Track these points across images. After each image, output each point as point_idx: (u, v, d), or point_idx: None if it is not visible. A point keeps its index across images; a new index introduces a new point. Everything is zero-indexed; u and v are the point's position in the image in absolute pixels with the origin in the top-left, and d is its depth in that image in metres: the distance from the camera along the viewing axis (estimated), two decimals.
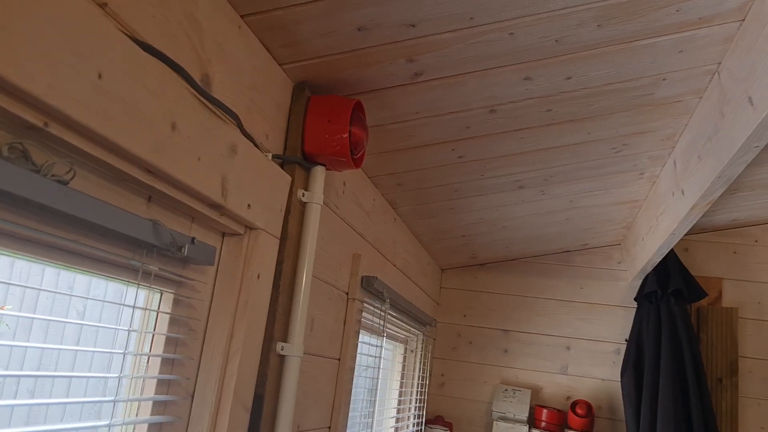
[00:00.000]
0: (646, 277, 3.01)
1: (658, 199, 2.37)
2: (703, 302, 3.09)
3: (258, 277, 1.29)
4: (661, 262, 2.95)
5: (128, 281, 0.99)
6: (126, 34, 0.87)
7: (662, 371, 2.78)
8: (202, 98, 1.04)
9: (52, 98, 0.72)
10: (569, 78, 1.55)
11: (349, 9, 1.21)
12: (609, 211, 2.70)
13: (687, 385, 2.75)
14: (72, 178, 0.83)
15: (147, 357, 1.08)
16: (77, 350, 0.94)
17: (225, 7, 1.14)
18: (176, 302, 1.14)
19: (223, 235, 1.28)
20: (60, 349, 0.85)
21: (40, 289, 0.79)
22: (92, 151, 0.83)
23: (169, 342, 1.12)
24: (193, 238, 1.08)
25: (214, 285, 1.25)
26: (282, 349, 1.37)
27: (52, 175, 0.79)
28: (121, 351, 0.94)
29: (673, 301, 2.89)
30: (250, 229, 1.28)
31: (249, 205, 1.22)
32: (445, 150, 1.91)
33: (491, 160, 2.02)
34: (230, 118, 1.16)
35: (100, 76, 0.79)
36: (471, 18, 1.28)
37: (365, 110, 1.60)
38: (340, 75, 1.45)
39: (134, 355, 0.99)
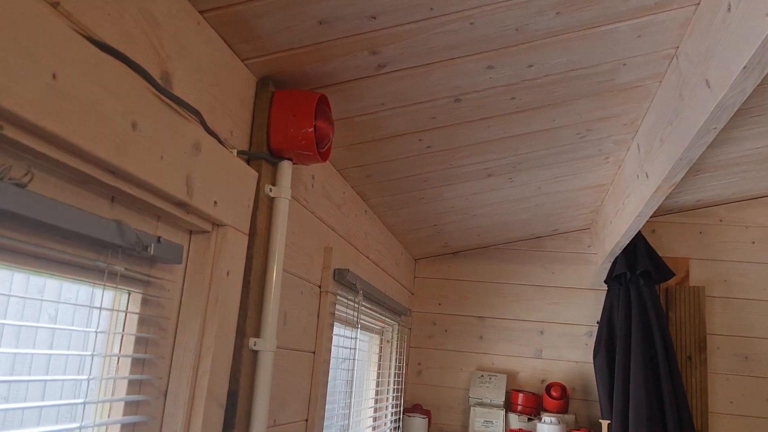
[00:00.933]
0: (615, 259, 3.06)
1: (623, 182, 2.41)
2: (671, 282, 3.16)
3: (227, 273, 1.28)
4: (629, 244, 3.00)
5: (94, 283, 0.98)
6: (80, 33, 0.86)
7: (633, 351, 2.84)
8: (162, 96, 1.03)
9: (5, 100, 0.71)
10: (531, 66, 1.57)
11: (309, 2, 1.21)
12: (577, 196, 2.74)
13: (657, 363, 2.81)
14: (30, 181, 0.82)
15: (117, 358, 1.07)
16: (47, 353, 0.93)
17: (182, 3, 1.13)
18: (145, 302, 1.13)
19: (191, 233, 1.27)
20: (30, 353, 0.84)
21: (8, 295, 0.78)
22: (50, 153, 0.82)
23: (139, 342, 1.12)
24: (159, 237, 1.08)
25: (183, 283, 1.25)
26: (255, 345, 1.37)
27: (9, 179, 0.78)
28: (89, 353, 0.93)
29: (642, 282, 2.95)
30: (218, 225, 1.28)
31: (215, 202, 1.22)
32: (413, 140, 1.92)
33: (459, 149, 2.04)
34: (193, 116, 1.15)
35: (54, 77, 0.78)
36: (431, 8, 1.29)
37: (330, 103, 1.60)
38: (304, 69, 1.45)
39: (102, 356, 0.98)
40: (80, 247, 0.96)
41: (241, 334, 1.35)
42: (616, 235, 2.67)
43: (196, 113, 1.14)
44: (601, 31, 1.46)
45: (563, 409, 3.05)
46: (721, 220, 3.25)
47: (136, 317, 1.11)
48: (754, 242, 3.19)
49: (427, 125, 1.83)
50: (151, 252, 1.05)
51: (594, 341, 3.17)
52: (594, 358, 3.01)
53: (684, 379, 3.00)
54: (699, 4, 1.42)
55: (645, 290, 2.93)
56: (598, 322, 3.21)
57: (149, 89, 1.00)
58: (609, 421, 2.85)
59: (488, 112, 1.79)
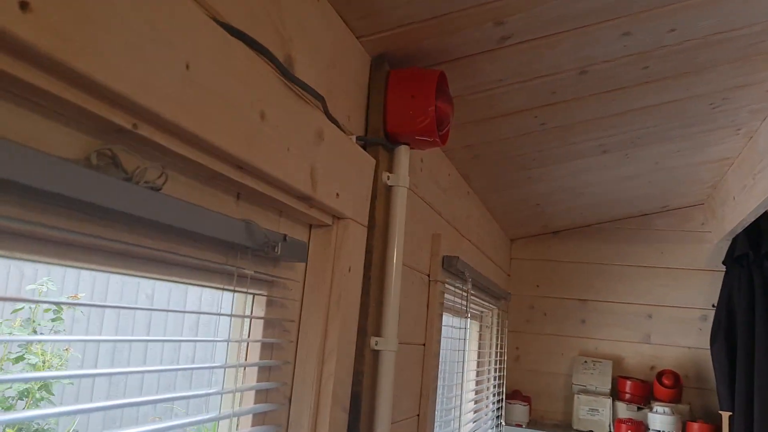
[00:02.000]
0: (735, 239, 2.82)
1: (755, 155, 2.18)
2: None
3: (349, 270, 1.20)
4: (751, 222, 2.75)
5: (223, 287, 0.91)
6: (213, 17, 0.77)
7: (758, 339, 2.61)
8: (288, 82, 0.94)
9: (142, 96, 0.63)
10: (673, 30, 1.39)
11: None
12: (696, 171, 2.52)
13: None
14: (164, 183, 0.75)
15: (243, 367, 1.01)
16: (173, 370, 0.86)
17: None
18: (269, 304, 1.06)
19: (310, 227, 1.19)
20: (155, 371, 0.77)
21: (135, 308, 0.71)
22: (183, 152, 0.74)
23: (265, 348, 1.05)
24: (285, 236, 1.00)
25: (304, 282, 1.17)
26: (376, 344, 1.29)
27: (145, 182, 0.70)
28: (219, 364, 0.86)
29: (767, 263, 2.70)
30: (338, 219, 1.19)
31: (337, 194, 1.13)
32: (527, 117, 1.77)
33: (576, 125, 1.88)
34: (315, 101, 1.06)
35: (188, 67, 0.70)
36: None
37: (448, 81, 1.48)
38: (421, 45, 1.33)
39: (231, 367, 0.91)
40: (209, 250, 0.88)
41: (362, 334, 1.26)
42: (741, 212, 2.44)
43: (320, 98, 1.05)
44: None
45: (676, 399, 2.86)
46: None
47: (261, 322, 1.04)
48: None
49: (545, 101, 1.68)
50: (278, 252, 0.96)
51: (710, 327, 2.95)
52: (711, 345, 2.79)
53: None
54: None
55: None
56: (714, 306, 2.98)
57: (276, 75, 0.91)
58: (731, 413, 2.64)
59: (615, 83, 1.62)
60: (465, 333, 2.20)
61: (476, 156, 2.01)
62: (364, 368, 1.25)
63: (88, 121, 0.64)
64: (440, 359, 2.01)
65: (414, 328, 1.70)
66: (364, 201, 1.26)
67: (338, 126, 1.14)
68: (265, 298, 1.05)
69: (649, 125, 1.94)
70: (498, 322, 2.93)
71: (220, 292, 0.92)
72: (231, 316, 0.89)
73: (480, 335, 2.85)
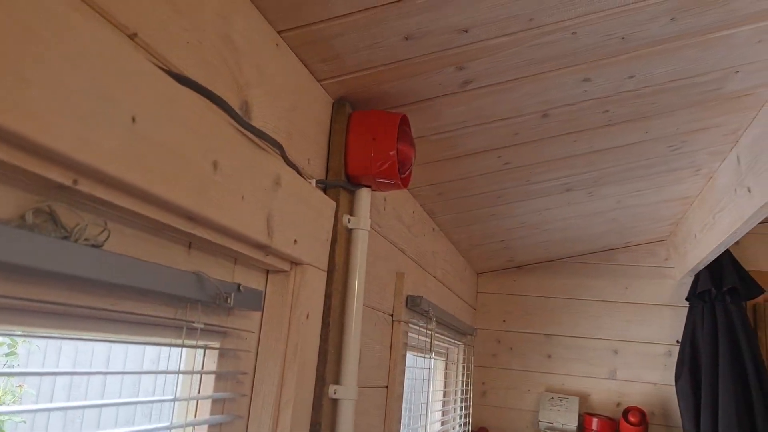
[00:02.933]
0: (698, 275, 2.85)
1: (715, 195, 2.22)
2: (759, 299, 2.93)
3: (307, 316, 1.17)
4: (713, 258, 2.79)
5: (171, 342, 0.88)
6: (160, 66, 0.75)
7: (721, 374, 2.63)
8: (244, 130, 0.92)
9: (82, 153, 0.60)
10: (632, 77, 1.41)
11: (395, 18, 1.09)
12: (658, 209, 2.55)
13: (749, 387, 2.60)
14: (106, 239, 0.71)
15: (193, 426, 0.96)
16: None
17: (261, 24, 1.02)
18: (222, 356, 1.02)
19: (267, 272, 1.16)
20: None
21: (72, 373, 0.66)
22: (129, 206, 0.71)
23: (217, 402, 1.01)
24: (239, 285, 0.97)
25: (260, 331, 1.13)
26: (335, 393, 1.25)
27: (85, 240, 0.67)
28: (166, 425, 0.82)
29: (729, 299, 2.73)
30: (297, 264, 1.16)
31: (295, 241, 1.10)
32: (491, 158, 1.78)
33: (539, 165, 1.89)
34: (273, 148, 1.04)
35: (133, 120, 0.67)
36: (530, 19, 1.15)
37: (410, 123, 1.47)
38: (383, 87, 1.32)
39: (178, 427, 0.87)
40: (156, 304, 0.85)
41: (320, 382, 1.23)
42: (703, 250, 2.47)
43: (278, 146, 1.03)
44: (716, 37, 1.29)
45: None
46: None
47: (212, 375, 1.00)
48: None
49: (508, 142, 1.69)
50: (231, 303, 0.93)
51: (674, 362, 2.96)
52: (676, 381, 2.80)
53: None
54: None
55: (732, 308, 2.72)
56: (678, 342, 3.00)
57: (230, 123, 0.89)
58: None
59: (577, 126, 1.64)
60: (429, 373, 2.17)
61: (441, 193, 2.01)
62: (322, 419, 1.21)
63: (25, 179, 0.61)
64: (405, 398, 1.98)
65: (376, 370, 1.67)
66: (323, 245, 1.23)
67: (297, 171, 1.12)
68: (217, 350, 1.01)
69: (610, 166, 1.96)
70: (464, 358, 2.91)
71: (169, 349, 0.89)
72: (178, 373, 0.85)
73: (446, 372, 2.82)
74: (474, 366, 3.25)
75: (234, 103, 0.94)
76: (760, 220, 1.93)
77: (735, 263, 2.80)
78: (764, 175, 1.73)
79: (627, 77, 1.42)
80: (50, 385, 4.44)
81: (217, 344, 1.01)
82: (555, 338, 3.19)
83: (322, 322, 1.25)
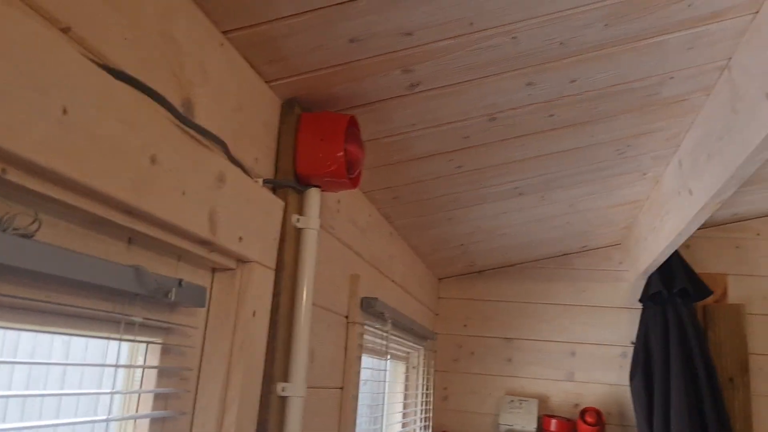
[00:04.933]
0: (650, 277, 2.93)
1: (661, 198, 2.29)
2: (709, 300, 3.01)
3: (254, 314, 1.18)
4: (664, 261, 2.87)
5: (109, 336, 0.88)
6: (94, 61, 0.76)
7: (672, 373, 2.70)
8: (184, 127, 0.94)
9: (11, 142, 0.61)
10: (573, 81, 1.46)
11: (340, 20, 1.12)
12: (610, 213, 2.62)
13: (699, 386, 2.67)
14: (37, 230, 0.72)
15: (134, 420, 0.97)
16: (56, 424, 0.82)
17: (205, 23, 1.04)
18: (165, 352, 1.03)
19: (213, 270, 1.17)
20: (37, 425, 0.74)
21: (13, 362, 0.67)
22: (60, 196, 0.72)
23: (159, 398, 1.01)
24: (181, 281, 0.98)
25: (206, 328, 1.14)
26: (283, 390, 1.27)
27: (14, 229, 0.68)
28: (103, 418, 0.83)
29: (680, 301, 2.81)
30: (243, 262, 1.18)
31: (240, 238, 1.12)
32: (443, 161, 1.81)
33: (490, 169, 1.93)
34: (217, 145, 1.06)
35: (65, 111, 0.69)
36: (471, 23, 1.18)
37: (359, 125, 1.50)
38: (332, 90, 1.35)
39: (118, 420, 0.88)
40: (94, 297, 0.86)
41: (268, 380, 1.24)
42: (652, 252, 2.55)
43: (221, 143, 1.04)
44: (650, 44, 1.35)
45: None
46: (758, 234, 3.11)
47: (155, 371, 1.01)
48: None
49: (459, 145, 1.72)
50: (173, 297, 0.94)
51: (628, 363, 3.03)
52: (631, 381, 2.87)
53: (727, 402, 2.85)
54: (758, 11, 1.30)
55: (683, 310, 2.80)
56: (632, 343, 3.07)
57: (170, 119, 0.91)
58: None
59: (524, 130, 1.68)
60: (385, 375, 2.19)
61: (396, 197, 2.04)
62: (270, 416, 1.23)
63: None
64: (364, 402, 1.99)
65: (330, 371, 1.68)
66: (271, 244, 1.25)
67: (243, 169, 1.14)
68: (160, 345, 1.02)
69: (560, 169, 2.02)
70: (424, 362, 2.94)
71: (108, 343, 0.89)
72: (116, 366, 0.86)
73: (406, 375, 2.84)
74: (436, 371, 3.28)
75: (176, 101, 0.96)
76: (703, 220, 2.00)
77: (685, 266, 2.89)
78: (704, 177, 1.79)
79: (569, 81, 1.46)
80: (8, 369, 4.35)
81: (159, 340, 1.02)
82: (515, 342, 3.24)
83: (270, 320, 1.27)
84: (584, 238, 2.98)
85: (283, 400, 1.28)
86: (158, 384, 1.03)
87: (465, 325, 3.31)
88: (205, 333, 1.14)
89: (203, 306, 1.06)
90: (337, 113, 1.36)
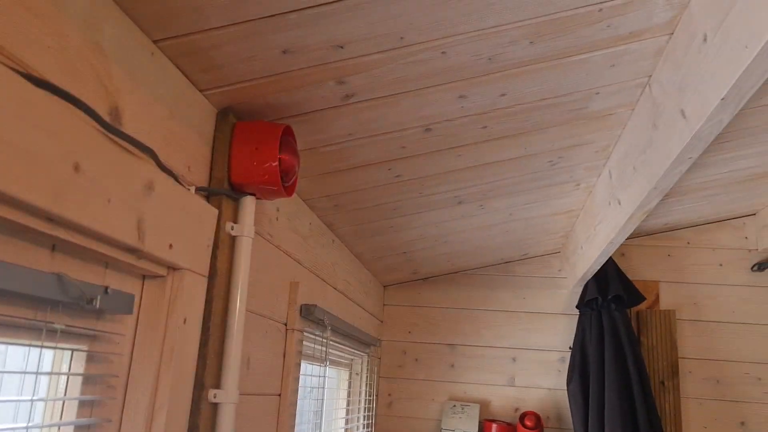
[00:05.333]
0: (586, 284, 3.03)
1: (594, 208, 2.38)
2: (642, 306, 3.13)
3: (184, 321, 1.19)
4: (600, 268, 2.97)
5: (30, 344, 0.88)
6: (13, 68, 0.77)
7: (607, 377, 2.80)
8: (109, 134, 0.94)
9: None
10: (504, 95, 1.52)
11: (272, 32, 1.14)
12: (547, 222, 2.70)
13: (631, 389, 2.77)
14: None
15: (58, 427, 0.97)
16: None
17: (135, 32, 1.05)
18: (91, 359, 1.03)
19: (144, 278, 1.17)
20: None
21: None
22: None
23: (84, 405, 1.01)
24: (107, 288, 0.98)
25: (135, 335, 1.15)
26: (215, 397, 1.27)
27: None
28: (23, 425, 0.82)
29: (614, 306, 2.92)
30: (174, 269, 1.18)
31: (171, 245, 1.12)
32: (382, 170, 1.85)
33: (429, 178, 1.97)
34: (145, 153, 1.06)
35: None
36: (401, 38, 1.22)
37: (295, 135, 1.52)
38: (267, 100, 1.37)
39: (36, 427, 0.88)
40: (15, 305, 0.85)
41: (199, 386, 1.24)
42: (588, 260, 2.64)
43: (149, 151, 1.05)
44: (574, 61, 1.42)
45: None
46: (688, 243, 3.25)
47: (80, 378, 1.00)
48: (721, 264, 3.20)
49: (397, 155, 1.76)
50: (98, 305, 0.95)
51: (566, 368, 3.12)
52: (568, 385, 2.95)
53: (658, 405, 2.96)
54: (673, 33, 1.38)
55: (617, 315, 2.90)
56: (570, 348, 3.16)
57: (95, 127, 0.91)
58: None
59: (459, 141, 1.73)
60: (325, 381, 2.21)
61: (337, 205, 2.06)
62: (200, 422, 1.23)
63: None
64: (305, 409, 2.00)
65: (268, 378, 1.69)
66: (203, 251, 1.26)
67: (173, 176, 1.15)
68: (85, 353, 1.02)
69: (497, 179, 2.08)
70: (368, 369, 2.96)
71: (30, 351, 0.89)
72: (37, 374, 0.86)
73: (350, 382, 2.86)
74: (381, 377, 3.31)
75: (102, 109, 0.96)
76: (632, 230, 2.08)
77: (620, 273, 2.99)
78: (630, 188, 1.88)
79: (500, 95, 1.52)
80: None
81: (85, 347, 1.02)
82: (458, 348, 3.29)
83: (202, 327, 1.27)
84: (524, 245, 3.06)
85: (215, 406, 1.29)
86: (84, 391, 1.02)
87: (410, 332, 3.35)
88: (134, 340, 1.14)
89: (131, 313, 1.06)
90: (272, 122, 1.38)
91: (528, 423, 2.98)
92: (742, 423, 3.00)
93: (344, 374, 2.81)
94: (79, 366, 1.01)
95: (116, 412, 1.09)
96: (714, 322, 3.13)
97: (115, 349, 1.09)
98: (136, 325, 1.15)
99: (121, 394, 1.11)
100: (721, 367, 3.07)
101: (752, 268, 3.17)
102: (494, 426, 3.02)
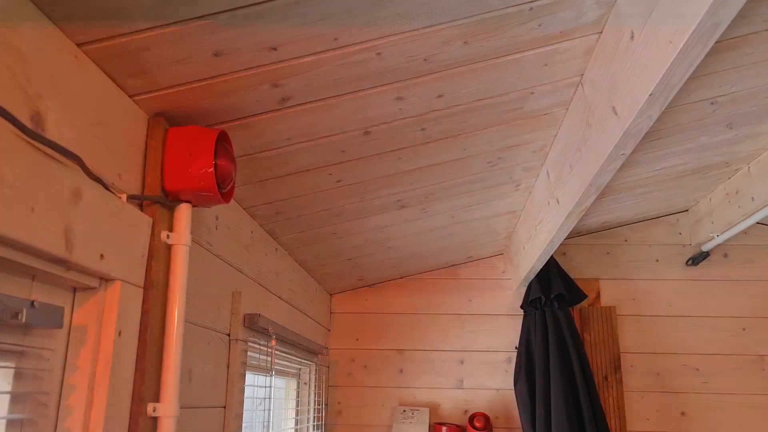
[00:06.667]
0: (530, 284, 3.08)
1: (535, 208, 2.42)
2: (584, 303, 3.21)
3: (119, 334, 1.14)
4: (542, 268, 3.03)
5: None
6: None
7: (552, 375, 2.84)
8: (31, 140, 0.90)
9: None
10: (441, 96, 1.53)
11: (201, 34, 1.11)
12: (490, 224, 2.74)
13: (576, 385, 2.83)
14: None
15: None
16: None
17: (56, 35, 1.01)
18: (19, 376, 0.98)
19: (74, 290, 1.13)
20: None
21: None
22: None
23: (14, 424, 0.96)
24: (33, 301, 0.94)
25: (67, 350, 1.10)
26: (154, 411, 1.23)
27: None
28: None
29: (557, 305, 2.97)
30: (106, 280, 1.14)
31: (102, 255, 1.08)
32: (322, 175, 1.84)
33: (370, 182, 1.97)
34: (71, 160, 1.02)
35: None
36: (335, 39, 1.22)
37: (231, 140, 1.49)
38: (200, 104, 1.34)
39: None
40: None
41: (137, 401, 1.20)
42: (530, 260, 2.68)
43: (75, 157, 1.01)
44: (508, 60, 1.44)
45: None
46: (626, 240, 3.34)
47: (7, 396, 0.95)
48: (657, 260, 3.31)
49: (337, 159, 1.75)
50: (23, 319, 0.90)
51: (513, 368, 3.16)
52: (515, 384, 2.99)
53: (602, 400, 3.03)
54: (602, 32, 1.42)
55: (560, 313, 2.95)
56: (516, 348, 3.21)
57: (15, 133, 0.87)
58: None
59: (399, 143, 1.74)
60: (271, 392, 2.17)
61: (278, 212, 2.03)
62: None
63: None
64: (254, 421, 1.96)
65: (212, 390, 1.65)
66: (138, 261, 1.22)
67: (103, 184, 1.10)
68: (12, 370, 0.97)
69: (438, 182, 2.09)
70: (316, 378, 2.93)
71: None
72: None
73: (298, 391, 2.82)
74: (329, 386, 3.28)
75: (23, 113, 0.92)
76: (571, 228, 2.13)
77: (561, 272, 3.06)
78: (567, 186, 1.92)
79: (436, 96, 1.53)
80: None
81: (11, 364, 0.97)
82: (407, 353, 3.30)
83: (139, 340, 1.23)
84: (469, 248, 3.09)
85: (154, 421, 1.24)
86: (13, 410, 0.97)
87: (357, 339, 3.34)
88: (65, 355, 1.09)
89: (60, 327, 1.02)
90: (207, 128, 1.35)
91: (477, 424, 3.00)
92: (683, 413, 3.10)
93: (292, 384, 2.77)
94: (6, 384, 0.96)
95: (48, 431, 1.04)
96: (652, 317, 3.23)
97: (45, 365, 1.04)
98: (68, 339, 1.10)
99: (53, 412, 1.06)
100: (661, 360, 3.17)
101: (686, 262, 3.29)
102: (444, 429, 3.02)
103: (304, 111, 1.46)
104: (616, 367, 3.08)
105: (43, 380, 1.03)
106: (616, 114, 1.44)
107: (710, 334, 3.20)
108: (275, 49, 1.21)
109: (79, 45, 1.06)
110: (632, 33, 1.28)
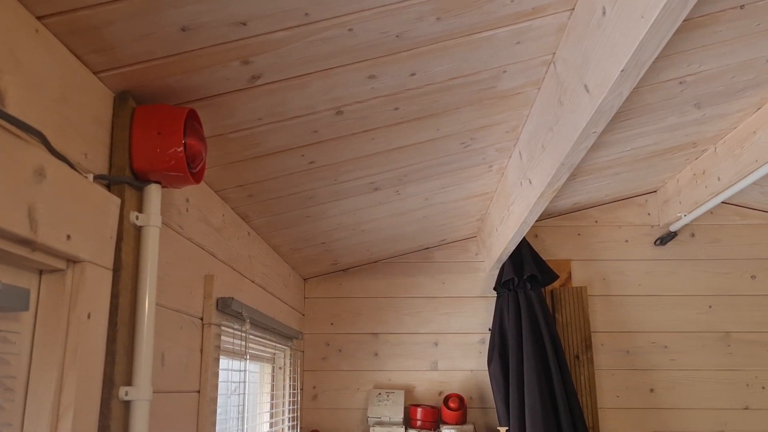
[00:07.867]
0: (503, 266, 3.10)
1: (507, 189, 2.43)
2: (556, 284, 3.24)
3: (88, 316, 1.12)
4: (515, 250, 3.05)
5: None
6: None
7: (525, 355, 2.87)
8: None
9: None
10: (413, 74, 1.52)
11: (167, 7, 1.08)
12: (463, 206, 2.74)
13: (549, 365, 2.86)
14: None
15: None
16: None
17: (15, 7, 0.97)
18: None
19: (41, 272, 1.10)
20: None
21: None
22: None
23: None
24: None
25: (34, 333, 1.07)
26: (126, 395, 1.21)
27: None
28: None
29: (529, 286, 3.00)
30: (74, 262, 1.11)
31: (69, 236, 1.05)
32: (295, 156, 1.81)
33: (343, 164, 1.95)
34: (33, 137, 0.99)
35: None
36: (306, 14, 1.20)
37: (201, 119, 1.47)
38: (168, 82, 1.31)
39: None
40: None
41: (109, 384, 1.18)
42: (503, 241, 2.69)
43: (38, 134, 0.98)
44: (481, 38, 1.43)
45: (462, 420, 3.03)
46: (596, 222, 3.38)
47: None
48: (627, 240, 3.35)
49: (309, 140, 1.73)
50: None
51: (487, 349, 3.19)
52: (488, 365, 3.02)
53: (574, 378, 3.08)
54: (574, 8, 1.42)
55: (532, 294, 2.98)
56: (490, 329, 3.23)
57: None
58: (507, 428, 2.86)
59: (371, 123, 1.72)
60: (246, 376, 2.16)
61: (251, 195, 2.01)
62: (111, 422, 1.16)
63: None
64: (229, 405, 1.94)
65: (185, 374, 1.63)
66: (106, 243, 1.19)
67: (68, 163, 1.07)
68: None
69: (411, 163, 2.08)
70: (290, 363, 2.92)
71: None
72: None
73: (273, 376, 2.81)
74: (304, 370, 3.28)
75: None
76: (543, 208, 2.14)
77: (533, 253, 3.08)
78: (539, 167, 1.92)
79: (409, 75, 1.52)
80: None
81: None
82: (381, 336, 3.30)
83: (109, 323, 1.21)
84: (442, 231, 3.10)
85: (127, 405, 1.22)
86: None
87: (332, 323, 3.33)
88: (33, 338, 1.06)
89: (26, 309, 0.99)
90: (175, 106, 1.32)
91: (452, 405, 3.02)
92: (652, 390, 3.16)
93: (267, 369, 2.76)
94: None
95: (17, 416, 1.01)
96: (622, 296, 3.28)
97: (11, 349, 1.01)
98: (35, 322, 1.07)
99: (21, 396, 1.03)
100: (630, 338, 3.22)
101: (655, 242, 3.34)
102: (419, 410, 3.04)
103: (274, 89, 1.43)
104: (587, 346, 3.12)
105: (9, 364, 1.01)
106: (587, 91, 1.44)
107: (678, 312, 3.26)
108: (245, 24, 1.18)
109: (39, 18, 1.03)
110: (604, 9, 1.28)
